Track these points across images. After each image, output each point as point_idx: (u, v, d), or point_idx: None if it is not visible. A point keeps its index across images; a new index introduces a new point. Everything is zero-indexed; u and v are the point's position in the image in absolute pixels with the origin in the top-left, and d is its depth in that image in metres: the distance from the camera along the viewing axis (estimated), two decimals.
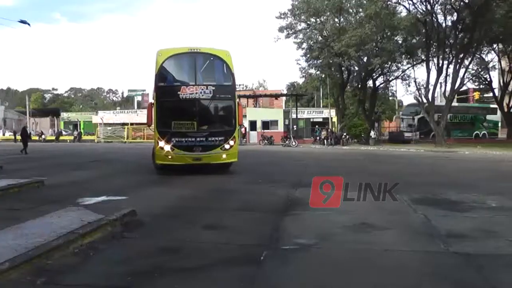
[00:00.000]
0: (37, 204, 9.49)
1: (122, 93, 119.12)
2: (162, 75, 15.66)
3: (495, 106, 49.47)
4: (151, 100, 25.84)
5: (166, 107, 15.43)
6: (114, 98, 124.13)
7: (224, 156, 15.71)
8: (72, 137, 57.96)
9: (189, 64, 16.13)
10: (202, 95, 15.42)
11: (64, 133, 63.82)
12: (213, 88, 15.49)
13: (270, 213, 9.21)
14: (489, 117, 48.95)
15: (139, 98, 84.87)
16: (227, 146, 15.59)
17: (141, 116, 63.19)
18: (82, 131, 62.84)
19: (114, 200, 10.52)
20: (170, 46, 17.13)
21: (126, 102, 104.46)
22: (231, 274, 5.48)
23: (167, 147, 15.01)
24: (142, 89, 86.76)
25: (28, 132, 36.95)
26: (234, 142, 15.83)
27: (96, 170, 17.65)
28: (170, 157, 15.12)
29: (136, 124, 59.22)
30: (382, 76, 44.71)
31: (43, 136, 59.32)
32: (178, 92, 15.26)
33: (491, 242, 6.82)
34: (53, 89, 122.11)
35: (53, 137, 58.89)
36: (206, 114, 15.97)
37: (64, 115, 77.41)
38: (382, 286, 5.13)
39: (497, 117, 49.46)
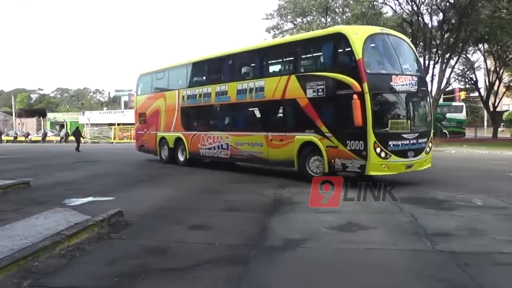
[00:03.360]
0: (23, 205, 9.39)
1: (109, 93, 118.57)
2: (368, 59, 12.42)
3: (460, 104, 49.27)
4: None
5: (381, 101, 12.38)
6: (101, 98, 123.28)
7: (425, 161, 13.26)
8: (58, 138, 57.46)
9: (388, 48, 13.31)
10: (411, 87, 12.72)
11: (50, 133, 63.14)
12: (416, 79, 13.06)
13: (257, 213, 9.21)
14: (451, 115, 47.01)
15: (126, 98, 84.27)
16: (428, 149, 13.21)
17: (127, 116, 62.93)
18: (68, 131, 62.28)
19: (100, 201, 10.45)
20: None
21: (113, 102, 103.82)
22: (218, 274, 5.48)
23: (383, 154, 11.96)
24: (129, 89, 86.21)
25: (81, 132, 36.85)
26: (431, 144, 13.61)
27: (83, 171, 17.51)
28: (384, 166, 12.06)
29: (123, 124, 58.92)
30: None
31: (29, 137, 58.83)
32: (391, 83, 12.26)
33: (477, 241, 6.89)
34: (39, 89, 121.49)
35: (39, 138, 58.31)
36: (415, 111, 13.20)
37: (50, 115, 76.89)
38: (369, 285, 5.16)
39: (463, 115, 48.43)
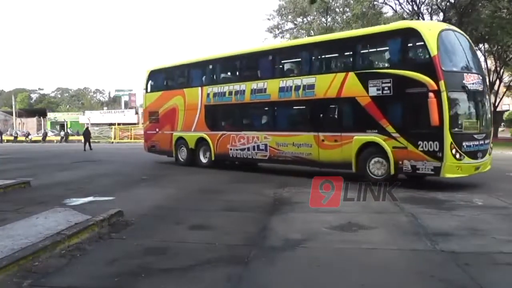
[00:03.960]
0: (23, 205, 9.39)
1: (109, 93, 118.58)
2: (442, 56, 11.66)
3: None
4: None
5: (456, 100, 11.66)
6: (101, 98, 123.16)
7: (488, 162, 12.79)
8: (58, 138, 57.44)
9: (457, 45, 12.65)
10: (479, 86, 12.26)
11: (50, 133, 62.99)
12: (481, 78, 12.66)
13: (258, 213, 9.21)
14: None
15: (126, 98, 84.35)
16: (490, 150, 12.87)
17: (128, 116, 63.16)
18: (69, 131, 62.17)
19: (101, 200, 10.45)
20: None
21: (113, 102, 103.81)
22: (219, 274, 5.48)
23: (458, 155, 11.37)
24: (129, 89, 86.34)
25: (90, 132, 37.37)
26: (492, 145, 13.12)
27: (83, 171, 17.50)
28: (458, 168, 11.50)
29: (123, 124, 58.99)
30: None
31: (30, 137, 58.81)
32: (463, 81, 11.71)
33: (477, 240, 6.88)
34: (40, 89, 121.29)
35: (40, 138, 58.24)
36: (482, 110, 12.64)
37: (51, 115, 76.90)
38: (369, 285, 5.15)
39: None
